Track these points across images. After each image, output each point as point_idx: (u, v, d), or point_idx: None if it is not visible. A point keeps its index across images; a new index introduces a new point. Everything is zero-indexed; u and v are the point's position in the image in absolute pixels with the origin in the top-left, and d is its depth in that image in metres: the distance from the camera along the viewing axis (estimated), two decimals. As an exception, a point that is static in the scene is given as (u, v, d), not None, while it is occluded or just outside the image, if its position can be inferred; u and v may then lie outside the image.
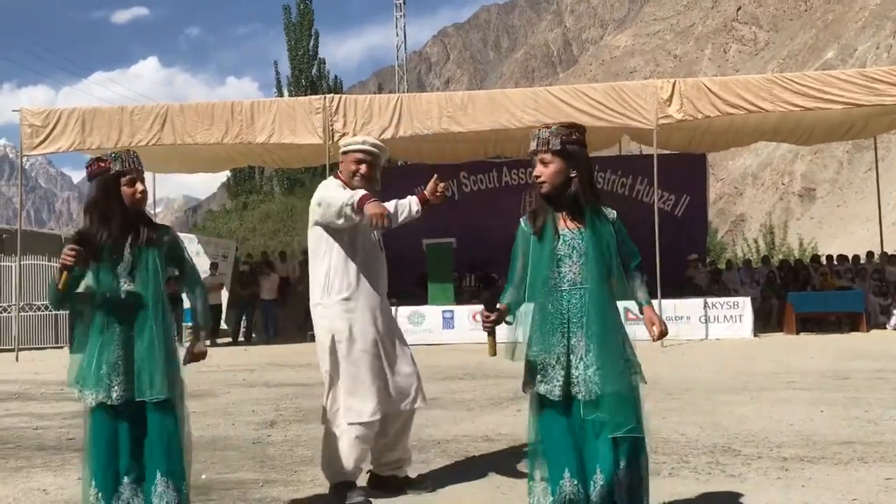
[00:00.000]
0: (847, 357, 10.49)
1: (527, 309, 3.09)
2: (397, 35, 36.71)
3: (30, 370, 11.80)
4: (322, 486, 4.35)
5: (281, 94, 31.98)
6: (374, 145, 4.23)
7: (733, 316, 14.25)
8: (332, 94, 16.68)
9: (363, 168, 4.12)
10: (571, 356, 2.95)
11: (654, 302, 14.85)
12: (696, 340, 13.66)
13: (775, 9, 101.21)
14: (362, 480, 4.12)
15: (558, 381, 2.95)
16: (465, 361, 10.67)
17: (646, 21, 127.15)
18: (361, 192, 3.89)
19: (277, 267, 18.31)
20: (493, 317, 3.11)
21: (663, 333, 3.04)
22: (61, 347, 16.50)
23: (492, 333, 3.18)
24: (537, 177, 3.11)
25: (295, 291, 17.92)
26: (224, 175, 33.41)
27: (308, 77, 32.67)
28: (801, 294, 15.59)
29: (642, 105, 13.61)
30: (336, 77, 34.63)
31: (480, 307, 15.50)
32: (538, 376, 2.99)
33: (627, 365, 2.95)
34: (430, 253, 15.03)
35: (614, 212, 3.14)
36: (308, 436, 5.79)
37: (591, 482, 2.88)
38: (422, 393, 4.14)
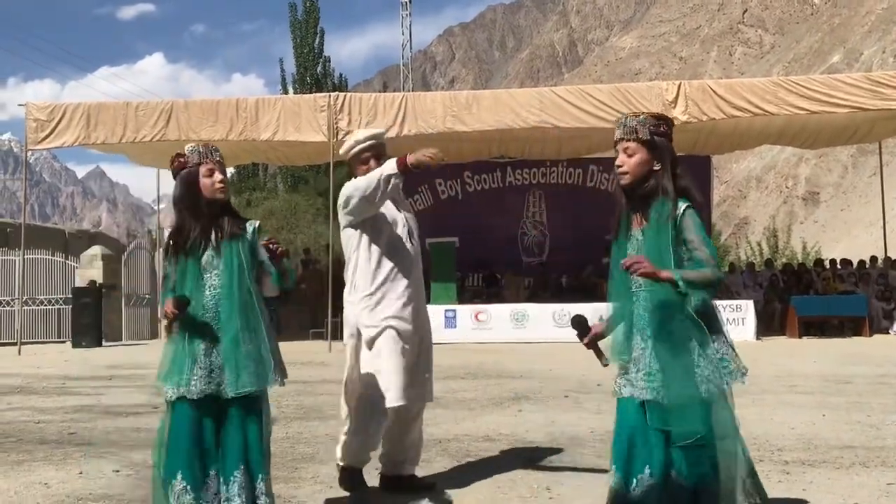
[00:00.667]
0: (849, 361, 10.48)
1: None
2: (403, 34, 36.77)
3: (32, 364, 11.82)
4: (322, 482, 4.36)
5: (286, 92, 31.97)
6: (371, 136, 4.21)
7: (736, 319, 14.23)
8: (336, 92, 16.70)
9: (373, 163, 4.07)
10: (632, 359, 2.89)
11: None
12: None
13: (781, 12, 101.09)
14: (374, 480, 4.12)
15: (619, 379, 2.92)
16: (466, 361, 10.67)
17: (652, 23, 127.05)
18: (391, 161, 3.89)
19: (280, 264, 18.33)
20: (586, 341, 3.04)
21: (630, 265, 2.72)
22: (63, 342, 16.53)
23: (595, 348, 3.06)
24: (619, 166, 2.91)
25: (297, 289, 17.96)
26: (228, 171, 33.41)
27: (313, 75, 32.66)
28: (804, 298, 15.57)
29: (647, 106, 13.57)
30: (341, 75, 34.63)
31: (483, 307, 15.45)
32: (618, 373, 2.96)
33: (691, 372, 2.78)
34: (433, 252, 15.03)
35: (685, 206, 2.86)
36: (309, 433, 5.80)
37: (635, 479, 2.82)
38: (431, 391, 4.19)
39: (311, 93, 25.80)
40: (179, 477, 3.06)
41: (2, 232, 21.61)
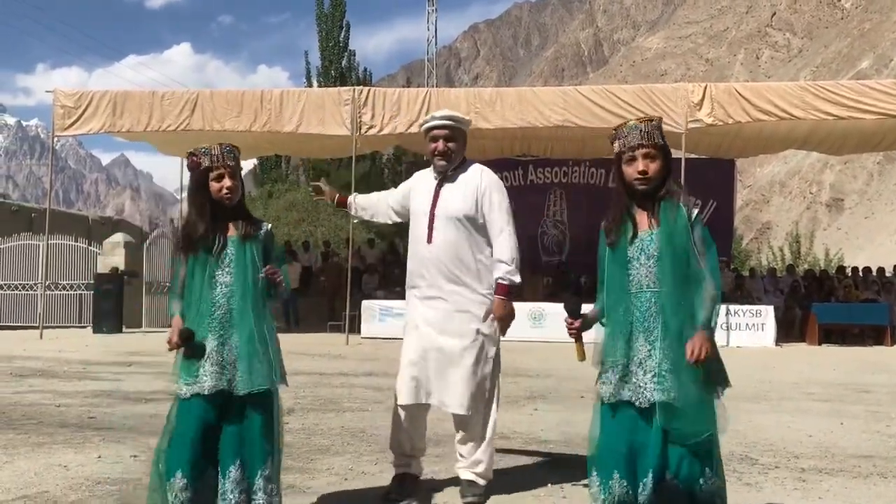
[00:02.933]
0: (869, 370, 10.38)
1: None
2: (428, 29, 36.71)
3: (53, 348, 11.96)
4: (337, 474, 4.39)
5: (310, 85, 32.09)
6: (447, 117, 3.97)
7: (755, 324, 14.15)
8: (360, 87, 16.72)
9: (440, 145, 3.91)
10: (631, 361, 2.85)
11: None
12: (717, 348, 13.55)
13: (811, 16, 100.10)
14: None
15: (612, 383, 2.87)
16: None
17: (679, 24, 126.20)
18: None
19: (300, 257, 18.42)
20: (576, 324, 3.04)
21: (698, 359, 2.77)
22: (84, 327, 16.70)
23: (578, 339, 3.07)
24: (644, 172, 2.86)
25: (316, 281, 18.05)
26: (251, 163, 33.62)
27: (338, 68, 32.76)
28: (825, 305, 15.44)
29: (672, 108, 13.51)
30: (366, 69, 34.69)
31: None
32: (601, 377, 2.93)
33: (698, 374, 2.77)
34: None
35: (696, 210, 2.88)
36: (325, 425, 5.82)
37: (641, 485, 2.80)
38: (454, 400, 3.84)
39: (335, 86, 25.87)
40: (180, 474, 3.05)
41: (27, 217, 21.89)
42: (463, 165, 4.01)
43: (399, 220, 4.26)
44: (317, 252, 19.67)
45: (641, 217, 2.91)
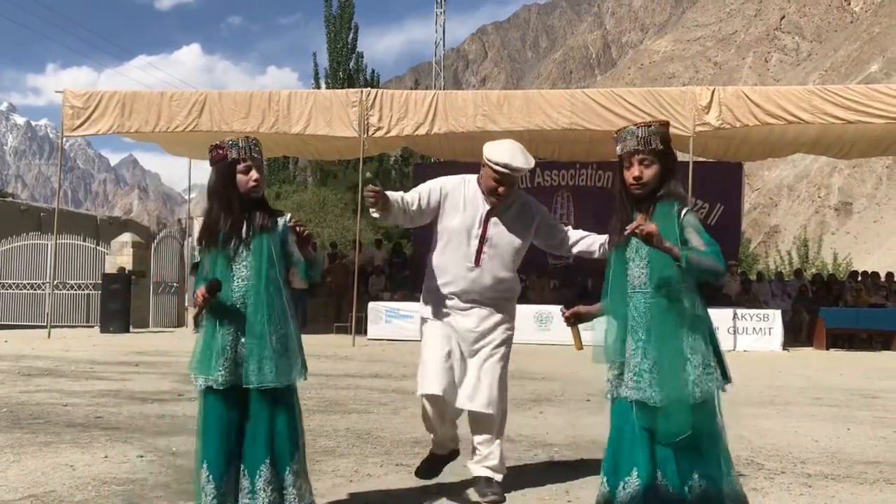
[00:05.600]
0: (877, 376, 10.34)
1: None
2: (436, 31, 36.71)
3: (61, 347, 12.01)
4: (342, 476, 4.39)
5: (318, 86, 32.16)
6: (518, 169, 3.85)
7: (763, 328, 14.10)
8: (368, 88, 16.75)
9: (503, 189, 3.88)
10: (625, 360, 2.90)
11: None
12: (724, 351, 13.51)
13: (820, 19, 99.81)
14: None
15: (611, 381, 2.94)
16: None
17: (687, 27, 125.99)
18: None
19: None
20: (567, 313, 3.11)
21: (634, 228, 2.72)
22: (92, 326, 16.76)
23: (574, 327, 3.14)
24: (638, 178, 2.90)
25: (323, 282, 18.06)
26: (259, 164, 33.66)
27: (346, 70, 32.84)
28: (833, 309, 15.38)
29: (680, 111, 13.49)
30: (373, 71, 34.78)
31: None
32: (607, 376, 2.98)
33: (681, 373, 2.78)
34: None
35: (688, 208, 2.92)
36: (331, 427, 5.83)
37: (622, 483, 2.82)
38: (483, 399, 3.89)
39: (343, 88, 25.93)
40: (205, 466, 3.11)
41: (35, 216, 21.99)
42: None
43: (415, 225, 4.18)
44: (324, 253, 19.70)
45: (639, 217, 2.91)
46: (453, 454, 4.16)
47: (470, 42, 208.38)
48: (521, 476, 4.39)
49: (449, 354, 3.91)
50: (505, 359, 4.00)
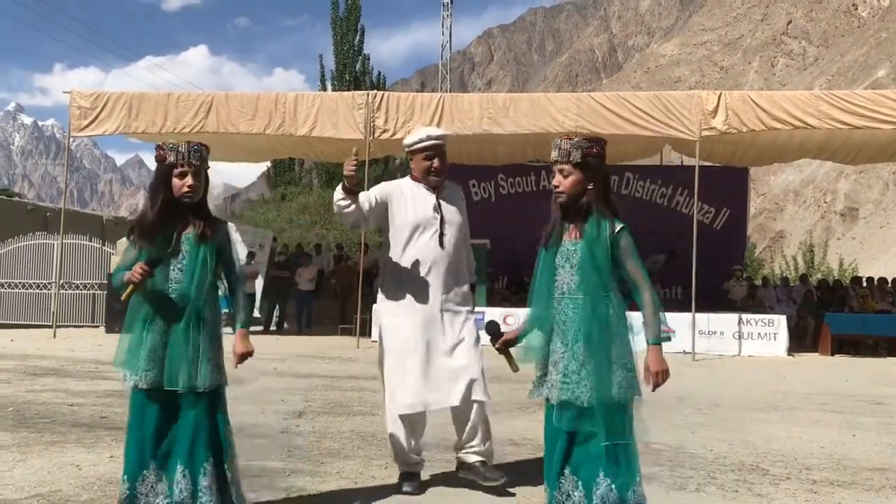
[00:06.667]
0: (883, 382, 10.31)
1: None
2: (443, 34, 36.70)
3: (67, 347, 12.04)
4: (347, 477, 4.40)
5: (324, 88, 32.21)
6: (438, 137, 4.26)
7: (768, 333, 14.06)
8: (374, 91, 16.76)
9: (436, 164, 4.19)
10: (548, 361, 3.04)
11: (686, 316, 14.28)
12: (729, 356, 13.51)
13: (827, 24, 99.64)
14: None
15: (533, 382, 3.11)
16: (493, 364, 10.65)
17: (693, 31, 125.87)
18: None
19: (313, 259, 18.48)
20: (498, 344, 3.28)
21: (657, 384, 2.97)
22: (97, 326, 16.80)
23: (507, 354, 3.29)
24: (556, 187, 3.14)
25: (328, 284, 18.08)
26: (264, 165, 33.75)
27: (352, 72, 32.91)
28: (839, 315, 15.33)
29: (686, 115, 13.47)
30: (380, 73, 34.83)
31: (512, 310, 15.42)
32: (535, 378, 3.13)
33: (611, 376, 2.91)
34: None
35: (623, 225, 3.05)
36: (336, 428, 5.84)
37: (558, 484, 2.97)
38: (476, 389, 4.14)
39: (349, 90, 25.98)
40: (124, 464, 3.19)
41: (42, 216, 22.01)
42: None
43: (367, 226, 4.53)
44: (329, 255, 19.72)
45: (572, 227, 3.09)
46: (421, 465, 4.25)
47: (476, 45, 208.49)
48: (525, 479, 4.39)
49: (426, 360, 4.05)
50: (478, 341, 4.23)
